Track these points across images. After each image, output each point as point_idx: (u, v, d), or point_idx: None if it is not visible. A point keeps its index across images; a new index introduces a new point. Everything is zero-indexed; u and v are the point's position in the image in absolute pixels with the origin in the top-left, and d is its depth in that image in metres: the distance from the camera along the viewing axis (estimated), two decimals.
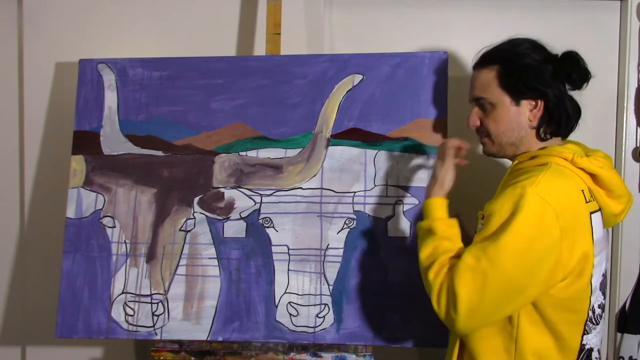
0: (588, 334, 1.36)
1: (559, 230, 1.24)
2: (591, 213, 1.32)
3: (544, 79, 1.37)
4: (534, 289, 1.25)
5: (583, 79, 1.40)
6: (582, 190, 1.32)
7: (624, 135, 1.97)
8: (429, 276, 1.30)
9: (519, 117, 1.39)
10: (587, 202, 1.32)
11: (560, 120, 1.39)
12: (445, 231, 1.36)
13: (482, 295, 1.22)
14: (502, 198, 1.28)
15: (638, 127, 1.98)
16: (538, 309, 1.31)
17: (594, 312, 1.37)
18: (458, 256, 1.30)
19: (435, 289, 1.28)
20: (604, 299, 1.42)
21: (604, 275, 1.41)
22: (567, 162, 1.34)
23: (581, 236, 1.29)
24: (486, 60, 1.43)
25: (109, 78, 1.78)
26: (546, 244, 1.24)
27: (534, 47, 1.40)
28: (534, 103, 1.38)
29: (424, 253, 1.35)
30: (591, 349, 1.38)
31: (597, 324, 1.39)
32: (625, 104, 1.97)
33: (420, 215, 1.53)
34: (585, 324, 1.35)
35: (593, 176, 1.35)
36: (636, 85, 1.97)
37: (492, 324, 1.31)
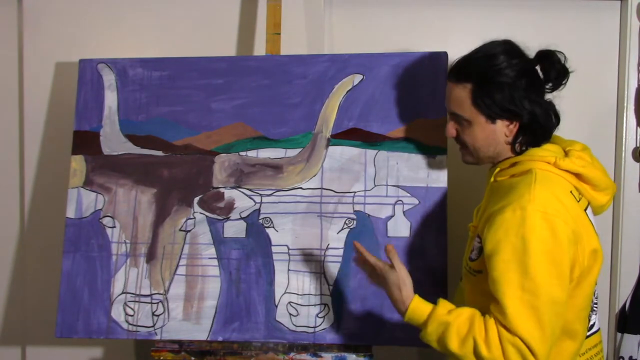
0: (591, 322, 1.41)
1: (572, 234, 1.26)
2: (585, 210, 1.34)
3: (519, 98, 1.32)
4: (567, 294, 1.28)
5: (560, 79, 1.37)
6: (571, 191, 1.33)
7: (624, 135, 1.97)
8: (482, 351, 1.23)
9: (495, 134, 1.38)
10: (578, 202, 1.33)
11: (536, 133, 1.37)
12: (447, 314, 1.30)
13: (542, 325, 1.22)
14: (502, 225, 1.26)
15: (638, 127, 1.98)
16: None
17: (594, 303, 1.42)
18: (475, 315, 1.28)
19: (497, 349, 1.23)
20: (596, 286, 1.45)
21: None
22: (550, 165, 1.33)
23: (586, 235, 1.31)
24: (460, 75, 1.38)
25: (109, 78, 1.78)
26: (567, 252, 1.25)
27: (508, 57, 1.34)
28: (508, 122, 1.36)
29: (455, 345, 1.26)
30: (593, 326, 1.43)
31: (594, 312, 1.43)
32: (625, 104, 1.97)
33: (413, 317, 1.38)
34: (589, 316, 1.40)
35: (577, 175, 1.35)
36: (636, 85, 1.97)
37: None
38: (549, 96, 1.40)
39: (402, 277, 1.35)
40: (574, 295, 1.31)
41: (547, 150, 1.37)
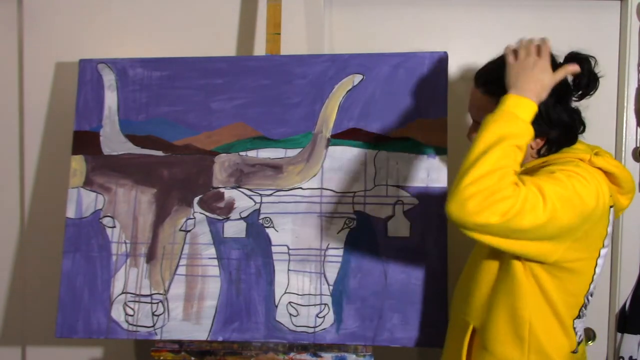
0: (580, 318, 1.39)
1: (607, 202, 1.27)
2: (610, 207, 1.34)
3: (548, 116, 1.29)
4: (569, 237, 1.26)
5: (590, 88, 1.34)
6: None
7: (624, 135, 1.97)
8: (507, 179, 1.16)
9: None
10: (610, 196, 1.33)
11: (562, 145, 1.36)
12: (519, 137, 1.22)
13: (559, 195, 1.20)
14: (540, 171, 1.27)
15: (638, 127, 1.98)
16: (542, 290, 1.32)
17: (588, 300, 1.40)
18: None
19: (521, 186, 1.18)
20: (594, 289, 1.44)
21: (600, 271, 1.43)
22: (584, 162, 1.32)
23: (603, 223, 1.32)
24: (489, 87, 1.34)
25: (109, 78, 1.78)
26: (597, 207, 1.25)
27: None
28: (535, 137, 1.30)
29: (496, 156, 1.18)
30: (581, 336, 1.42)
31: (584, 315, 1.42)
32: (625, 104, 1.97)
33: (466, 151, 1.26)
34: (580, 309, 1.38)
35: (607, 174, 1.34)
36: (636, 85, 1.97)
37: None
38: None
39: (543, 72, 1.26)
40: (568, 262, 1.30)
41: (578, 149, 1.35)
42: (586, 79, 1.33)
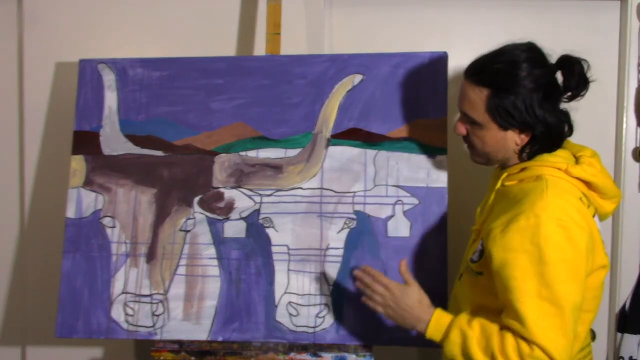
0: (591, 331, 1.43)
1: (589, 239, 1.26)
2: (593, 217, 1.34)
3: (534, 110, 1.30)
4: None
5: (580, 89, 1.35)
6: (580, 198, 1.31)
7: (624, 135, 1.97)
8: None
9: (506, 141, 1.36)
10: (587, 208, 1.32)
11: (547, 143, 1.36)
12: (467, 323, 1.31)
13: (565, 333, 1.22)
14: (515, 233, 1.25)
15: (638, 127, 1.98)
16: None
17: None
18: (492, 328, 1.28)
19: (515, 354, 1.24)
20: None
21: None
22: (560, 172, 1.32)
23: (597, 244, 1.32)
24: (478, 77, 1.35)
25: (109, 78, 1.78)
26: (585, 257, 1.25)
27: (530, 67, 1.31)
28: (520, 132, 1.34)
29: (479, 355, 1.27)
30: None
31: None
32: (625, 104, 1.97)
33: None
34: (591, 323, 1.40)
35: (587, 183, 1.34)
36: (636, 85, 1.97)
37: None
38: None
39: (420, 290, 1.38)
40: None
41: (558, 157, 1.35)
42: (575, 80, 1.34)
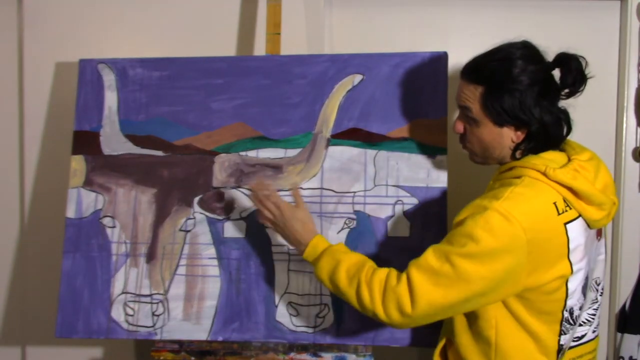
0: (565, 334, 1.37)
1: (525, 244, 1.24)
2: (566, 223, 1.29)
3: (529, 106, 1.30)
4: (495, 296, 1.29)
5: (577, 86, 1.34)
6: (555, 202, 1.29)
7: (624, 135, 1.97)
8: (363, 293, 1.31)
9: (501, 138, 1.36)
10: (560, 214, 1.29)
11: (544, 141, 1.35)
12: (343, 252, 1.40)
13: (445, 297, 1.25)
14: (469, 207, 1.31)
15: (638, 127, 1.99)
16: (512, 312, 1.32)
17: (571, 314, 1.36)
18: (367, 261, 1.37)
19: (378, 293, 1.30)
20: (585, 299, 1.41)
21: (587, 278, 1.39)
22: (539, 174, 1.31)
23: (555, 253, 1.29)
24: (472, 76, 1.36)
25: (109, 78, 1.78)
26: (510, 257, 1.25)
27: (525, 64, 1.31)
28: (516, 129, 1.35)
29: (343, 283, 1.35)
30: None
31: (574, 324, 1.39)
32: (625, 104, 1.97)
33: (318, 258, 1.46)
34: (561, 324, 1.35)
35: (569, 187, 1.31)
36: (636, 85, 1.97)
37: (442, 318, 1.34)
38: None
39: (308, 214, 1.48)
40: (533, 297, 1.31)
41: (541, 159, 1.33)
42: (572, 76, 1.33)
